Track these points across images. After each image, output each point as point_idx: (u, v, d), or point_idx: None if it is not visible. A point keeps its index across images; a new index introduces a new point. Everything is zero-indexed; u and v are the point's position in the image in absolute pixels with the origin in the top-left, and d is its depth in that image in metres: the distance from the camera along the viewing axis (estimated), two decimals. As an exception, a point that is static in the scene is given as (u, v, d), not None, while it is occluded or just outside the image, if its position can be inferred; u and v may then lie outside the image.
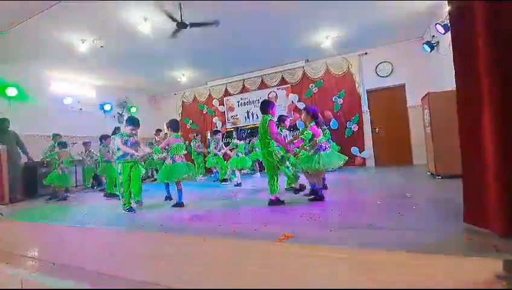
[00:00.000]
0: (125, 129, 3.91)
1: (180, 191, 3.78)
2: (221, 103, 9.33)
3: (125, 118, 8.97)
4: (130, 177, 3.80)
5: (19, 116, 6.20)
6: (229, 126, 9.18)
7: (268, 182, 3.36)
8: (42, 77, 7.11)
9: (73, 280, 2.54)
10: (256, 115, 8.74)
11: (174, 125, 4.05)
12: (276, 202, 3.31)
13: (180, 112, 10.20)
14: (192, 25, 4.81)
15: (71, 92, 7.73)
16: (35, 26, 4.70)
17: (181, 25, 4.74)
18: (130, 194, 3.80)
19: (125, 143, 3.78)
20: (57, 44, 5.54)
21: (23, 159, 6.09)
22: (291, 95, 8.19)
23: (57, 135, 6.15)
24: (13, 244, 3.42)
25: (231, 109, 9.23)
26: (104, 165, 5.56)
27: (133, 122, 3.90)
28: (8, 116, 5.87)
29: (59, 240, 3.13)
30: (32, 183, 6.20)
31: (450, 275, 1.47)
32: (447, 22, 4.55)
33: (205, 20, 4.82)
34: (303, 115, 3.61)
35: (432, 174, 4.56)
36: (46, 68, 6.95)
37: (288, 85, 8.32)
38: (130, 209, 3.68)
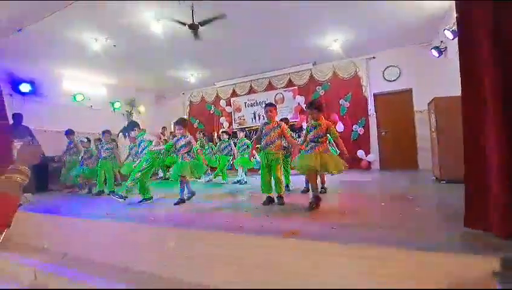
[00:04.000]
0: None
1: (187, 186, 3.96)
2: (229, 104, 9.43)
3: (134, 116, 9.19)
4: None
5: (31, 111, 6.36)
6: (235, 127, 9.26)
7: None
8: (55, 74, 7.30)
9: (84, 271, 2.64)
10: (263, 116, 8.80)
11: (187, 122, 4.24)
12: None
13: (187, 111, 10.33)
14: (204, 23, 4.89)
15: (82, 89, 7.91)
16: (49, 24, 4.83)
17: (193, 26, 4.83)
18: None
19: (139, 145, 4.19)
20: (70, 42, 5.69)
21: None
22: (298, 97, 8.25)
23: (71, 131, 6.24)
24: (27, 235, 3.53)
25: (238, 109, 9.32)
26: (101, 162, 5.52)
27: (128, 126, 4.29)
28: (22, 112, 6.04)
29: (72, 231, 3.24)
30: (43, 177, 6.35)
31: (449, 272, 1.51)
32: (455, 27, 4.57)
33: (212, 16, 4.86)
34: (313, 113, 3.31)
35: (437, 178, 4.58)
36: (59, 66, 7.12)
37: (295, 87, 8.39)
38: (121, 196, 3.94)
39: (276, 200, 3.37)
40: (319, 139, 3.16)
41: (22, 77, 6.49)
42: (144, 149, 4.24)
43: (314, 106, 3.23)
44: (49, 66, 6.97)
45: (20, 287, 2.72)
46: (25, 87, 6.52)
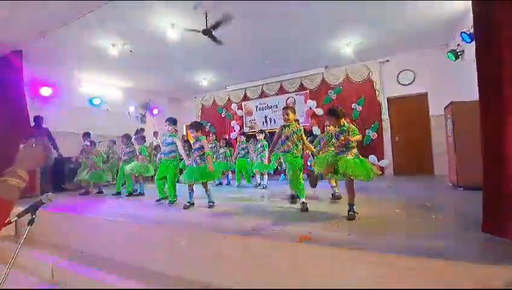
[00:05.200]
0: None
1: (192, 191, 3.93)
2: (240, 107, 9.49)
3: (147, 118, 9.38)
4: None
5: (51, 114, 6.60)
6: (246, 130, 9.30)
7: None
8: (74, 78, 7.55)
9: (100, 268, 2.70)
10: (274, 120, 8.82)
11: (200, 125, 4.14)
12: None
13: (199, 114, 10.46)
14: (214, 27, 4.95)
15: (100, 93, 8.16)
16: (69, 30, 5.01)
17: (206, 32, 4.92)
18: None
19: (163, 142, 4.21)
20: (89, 48, 5.90)
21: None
22: (309, 101, 8.22)
23: (88, 133, 6.42)
24: (45, 233, 3.65)
25: (249, 113, 9.37)
26: (121, 165, 5.63)
27: (169, 120, 4.30)
28: (42, 114, 6.28)
29: (88, 230, 3.33)
30: (60, 177, 6.57)
31: (469, 281, 1.47)
32: (473, 30, 4.46)
33: (221, 19, 4.85)
34: (330, 120, 3.15)
35: (453, 185, 4.45)
36: (78, 70, 7.39)
37: (306, 91, 8.36)
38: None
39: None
40: (349, 145, 2.91)
41: (43, 81, 6.77)
42: (172, 152, 4.26)
43: (331, 113, 3.03)
44: (69, 70, 7.23)
45: (39, 283, 2.81)
46: (45, 91, 6.80)
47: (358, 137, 2.90)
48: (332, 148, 3.26)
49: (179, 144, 4.17)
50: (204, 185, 3.86)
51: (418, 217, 2.67)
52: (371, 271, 1.73)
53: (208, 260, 2.36)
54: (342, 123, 3.00)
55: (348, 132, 2.91)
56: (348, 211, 2.80)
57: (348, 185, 2.88)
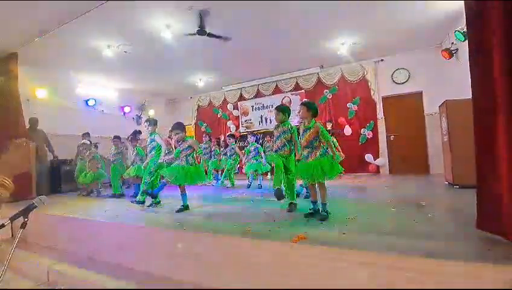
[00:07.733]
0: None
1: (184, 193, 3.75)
2: (236, 107, 9.49)
3: (144, 119, 9.30)
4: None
5: (47, 116, 6.53)
6: (242, 130, 9.30)
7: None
8: (69, 79, 7.49)
9: (95, 271, 2.68)
10: (270, 119, 8.83)
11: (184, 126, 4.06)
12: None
13: (195, 115, 10.43)
14: (210, 35, 5.03)
15: (95, 94, 8.11)
16: (65, 32, 4.98)
17: (201, 32, 4.91)
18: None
19: (147, 144, 4.12)
20: (84, 49, 5.86)
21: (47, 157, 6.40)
22: (305, 100, 8.23)
23: (87, 133, 6.35)
24: (41, 236, 3.62)
25: (245, 113, 9.36)
26: (111, 167, 5.65)
27: (148, 122, 4.32)
28: (37, 116, 6.22)
29: (84, 233, 3.30)
30: (56, 179, 6.51)
31: (468, 282, 1.47)
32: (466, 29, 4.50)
33: (221, 34, 5.23)
34: (301, 110, 3.08)
35: (449, 183, 4.48)
36: (74, 72, 7.32)
37: (302, 91, 8.38)
38: (139, 202, 4.01)
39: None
40: (313, 144, 2.91)
41: (38, 82, 6.69)
42: (152, 150, 4.21)
43: (303, 103, 3.04)
44: (64, 71, 7.16)
45: (35, 286, 2.78)
46: (41, 93, 6.73)
47: (330, 143, 2.90)
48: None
49: (158, 140, 4.12)
50: (182, 187, 3.67)
51: (415, 216, 2.69)
52: (370, 271, 1.73)
53: (205, 261, 2.35)
54: (309, 120, 2.98)
55: (317, 132, 2.89)
56: (321, 211, 2.81)
57: (319, 184, 2.89)
